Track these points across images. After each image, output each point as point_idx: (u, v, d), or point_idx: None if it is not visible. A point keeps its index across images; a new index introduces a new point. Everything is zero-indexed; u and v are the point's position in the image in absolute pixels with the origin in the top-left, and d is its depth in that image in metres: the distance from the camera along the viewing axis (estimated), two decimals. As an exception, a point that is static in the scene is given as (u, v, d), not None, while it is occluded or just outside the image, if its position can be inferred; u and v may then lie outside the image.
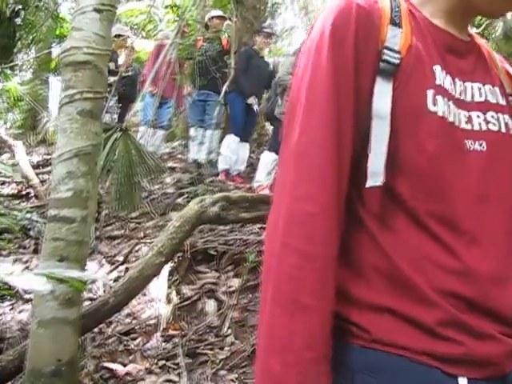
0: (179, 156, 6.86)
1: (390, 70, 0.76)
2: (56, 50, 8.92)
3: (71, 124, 2.09)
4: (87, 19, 2.11)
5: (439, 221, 0.76)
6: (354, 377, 0.74)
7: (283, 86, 5.22)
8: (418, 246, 0.75)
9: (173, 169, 6.13)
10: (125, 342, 2.91)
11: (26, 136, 8.20)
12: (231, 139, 5.90)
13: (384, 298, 0.75)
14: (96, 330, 2.91)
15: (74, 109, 2.08)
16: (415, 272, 0.74)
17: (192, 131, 6.25)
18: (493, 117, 0.83)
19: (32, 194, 5.01)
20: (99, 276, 3.01)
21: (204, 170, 5.79)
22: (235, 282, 3.40)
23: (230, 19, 6.32)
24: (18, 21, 5.13)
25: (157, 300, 3.26)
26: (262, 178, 5.47)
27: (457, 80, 0.82)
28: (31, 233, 4.05)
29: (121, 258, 3.76)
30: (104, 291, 3.22)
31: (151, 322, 3.12)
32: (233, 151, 5.86)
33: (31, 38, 6.45)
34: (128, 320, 3.15)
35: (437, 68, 0.80)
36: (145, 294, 3.29)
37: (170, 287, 3.38)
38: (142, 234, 4.26)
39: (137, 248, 3.85)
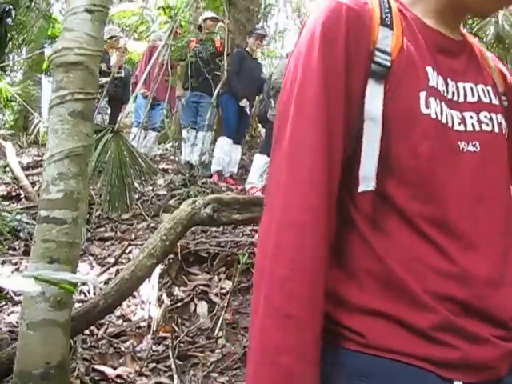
0: (171, 158, 6.85)
1: (382, 71, 0.76)
2: (48, 51, 8.87)
3: (62, 125, 2.07)
4: (79, 20, 2.10)
5: (432, 223, 0.75)
6: (348, 382, 0.74)
7: (276, 88, 5.22)
8: (411, 249, 0.75)
9: (165, 170, 6.12)
10: (115, 345, 2.89)
11: (18, 137, 8.16)
12: (224, 141, 5.90)
13: (377, 301, 0.74)
14: (87, 332, 2.89)
15: (65, 110, 2.07)
16: (409, 275, 0.74)
17: (184, 133, 6.25)
18: (486, 117, 0.83)
19: (22, 196, 4.97)
20: (89, 278, 2.99)
21: (196, 172, 5.79)
22: (227, 284, 3.39)
23: (222, 21, 6.33)
24: (9, 21, 5.09)
25: (148, 302, 3.25)
26: (255, 180, 5.48)
27: (449, 80, 0.82)
28: (21, 234, 4.02)
29: (112, 260, 3.74)
30: (95, 293, 3.20)
31: (142, 324, 3.10)
32: (226, 153, 5.86)
33: (22, 38, 6.42)
34: (119, 322, 3.13)
35: (429, 69, 0.79)
36: (135, 297, 3.27)
37: (161, 289, 3.36)
38: (133, 236, 4.24)
39: (128, 250, 3.83)
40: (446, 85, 0.81)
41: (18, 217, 4.14)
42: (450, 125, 0.79)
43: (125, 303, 3.13)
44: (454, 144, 0.78)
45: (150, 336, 2.98)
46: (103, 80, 4.96)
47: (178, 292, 3.38)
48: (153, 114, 6.55)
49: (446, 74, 0.82)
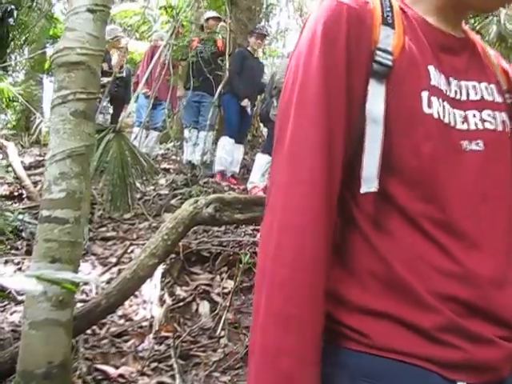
0: (173, 157, 6.85)
1: (383, 71, 0.76)
2: (50, 51, 8.89)
3: (64, 125, 2.07)
4: (80, 19, 2.10)
5: (435, 223, 0.75)
6: (351, 382, 0.73)
7: (279, 87, 5.22)
8: (414, 249, 0.75)
9: (167, 170, 6.12)
10: (117, 344, 2.89)
11: (20, 137, 8.17)
12: (226, 141, 5.90)
13: (380, 302, 0.74)
14: (89, 331, 2.89)
15: (67, 109, 2.07)
16: (412, 275, 0.74)
17: (186, 132, 6.25)
18: (489, 115, 0.82)
19: (24, 195, 4.98)
20: (91, 278, 2.99)
21: (198, 172, 5.79)
22: (229, 284, 3.39)
23: (224, 21, 6.33)
24: (11, 21, 5.10)
25: (150, 302, 3.25)
26: (257, 180, 5.48)
27: (451, 79, 0.81)
28: (23, 234, 4.02)
29: (114, 260, 3.74)
30: (97, 293, 3.21)
31: (144, 323, 3.10)
32: (228, 153, 5.87)
33: (24, 38, 6.43)
34: (121, 322, 3.13)
35: (431, 68, 0.79)
36: (137, 296, 3.27)
37: (163, 289, 3.36)
38: (135, 236, 4.25)
39: (130, 249, 3.84)
40: (449, 83, 0.81)
41: (20, 216, 4.15)
42: (452, 124, 0.78)
43: (127, 303, 3.13)
44: (456, 143, 0.78)
45: (151, 335, 2.98)
46: (105, 80, 4.96)
47: (179, 291, 3.38)
48: (154, 113, 6.55)
49: (449, 73, 0.81)
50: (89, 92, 2.11)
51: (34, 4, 5.85)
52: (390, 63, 0.76)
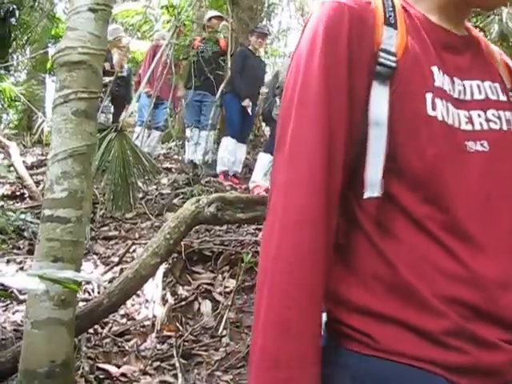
0: (175, 157, 6.85)
1: (387, 73, 0.75)
2: (52, 50, 8.89)
3: (66, 124, 2.08)
4: (82, 19, 2.10)
5: (440, 224, 0.74)
6: None
7: (282, 87, 5.21)
8: (419, 251, 0.74)
9: (169, 169, 6.12)
10: (120, 343, 2.90)
11: (22, 137, 8.18)
12: (228, 141, 5.90)
13: (385, 304, 0.74)
14: (91, 330, 2.89)
15: (69, 109, 2.07)
16: (416, 278, 0.73)
17: (188, 132, 6.25)
18: (493, 115, 0.81)
19: (26, 195, 4.99)
20: (93, 277, 3.00)
21: (200, 171, 5.79)
22: (231, 283, 3.39)
23: (225, 20, 6.32)
24: (13, 21, 5.11)
25: (152, 301, 3.25)
26: (259, 179, 5.48)
27: (455, 79, 0.81)
28: (25, 233, 4.03)
29: (116, 259, 3.74)
30: (99, 292, 3.21)
31: (146, 323, 3.11)
32: (230, 153, 5.87)
33: (26, 38, 6.44)
34: (123, 321, 3.14)
35: (434, 69, 0.78)
36: (139, 295, 3.27)
37: (165, 288, 3.37)
38: (137, 235, 4.25)
39: (132, 249, 3.84)
40: (453, 83, 0.80)
41: (23, 216, 4.16)
42: (456, 125, 0.77)
43: (129, 302, 3.13)
44: (461, 144, 0.77)
45: (154, 335, 2.99)
46: (107, 79, 4.97)
47: (181, 291, 3.38)
48: (156, 113, 6.55)
49: (452, 73, 0.81)
50: (90, 91, 2.11)
51: (36, 4, 5.86)
52: (393, 64, 0.75)
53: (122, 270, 3.42)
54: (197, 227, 3.70)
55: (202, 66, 5.85)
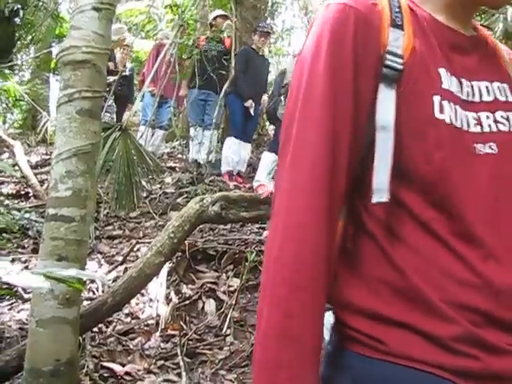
0: (179, 156, 6.86)
1: (394, 75, 0.74)
2: (56, 50, 8.92)
3: (70, 123, 2.08)
4: (86, 18, 2.10)
5: (449, 228, 0.73)
6: None
7: (287, 87, 5.20)
8: (427, 255, 0.73)
9: (172, 168, 6.13)
10: (124, 342, 2.90)
11: (26, 136, 8.20)
12: (231, 141, 5.90)
13: (393, 309, 0.73)
14: (95, 329, 2.90)
15: (73, 108, 2.08)
16: (424, 282, 0.72)
17: (192, 131, 6.25)
18: (502, 116, 0.80)
19: (31, 194, 5.00)
20: (97, 276, 3.00)
21: (204, 170, 5.79)
22: (235, 282, 3.39)
23: (229, 19, 6.32)
24: (17, 20, 5.12)
25: (156, 300, 3.26)
26: (262, 178, 5.47)
27: (463, 80, 0.80)
28: (30, 232, 4.04)
29: (120, 258, 3.75)
30: (103, 291, 3.22)
31: (150, 321, 3.11)
32: (234, 152, 5.86)
33: (30, 37, 6.45)
34: (127, 320, 3.14)
35: (442, 71, 0.77)
36: (143, 294, 3.28)
37: (169, 287, 3.37)
38: (141, 234, 4.26)
39: (136, 248, 3.85)
40: (460, 85, 0.79)
41: (27, 215, 4.17)
42: (465, 128, 0.76)
43: (133, 301, 3.14)
44: (469, 147, 0.76)
45: (158, 334, 2.99)
46: (111, 78, 4.97)
47: (185, 290, 3.38)
48: (160, 112, 6.56)
49: (460, 74, 0.79)
50: (94, 90, 2.11)
51: (40, 3, 5.87)
52: (400, 67, 0.74)
53: (126, 269, 3.43)
54: (201, 226, 3.70)
55: (206, 66, 5.85)
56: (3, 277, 0.78)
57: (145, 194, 4.80)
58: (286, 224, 0.73)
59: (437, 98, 0.75)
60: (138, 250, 3.84)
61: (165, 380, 2.62)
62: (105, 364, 2.67)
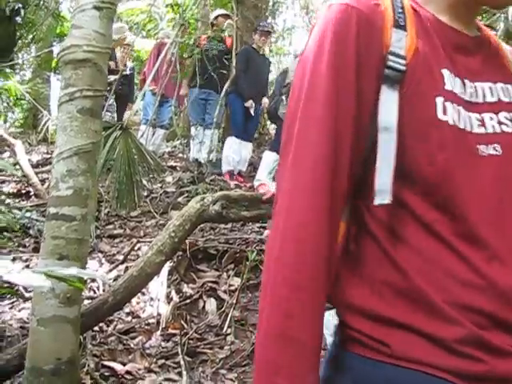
0: (180, 155, 6.86)
1: (396, 76, 0.73)
2: (57, 49, 8.92)
3: (71, 122, 2.08)
4: (87, 17, 2.10)
5: (452, 229, 0.73)
6: None
7: (289, 87, 5.19)
8: (430, 257, 0.73)
9: (173, 168, 6.13)
10: (124, 341, 2.90)
11: (27, 135, 8.21)
12: (232, 141, 5.90)
13: (396, 311, 0.73)
14: (96, 328, 2.90)
15: (74, 107, 2.08)
16: (428, 284, 0.72)
17: (193, 130, 6.25)
18: (506, 117, 0.79)
19: (32, 193, 5.01)
20: (98, 275, 3.00)
21: (205, 169, 5.80)
22: (236, 281, 3.39)
23: (231, 18, 6.32)
24: (18, 19, 5.12)
25: (156, 299, 3.26)
26: (263, 177, 5.47)
27: (466, 81, 0.79)
28: (31, 231, 4.04)
29: (121, 257, 3.75)
30: (104, 290, 3.22)
31: (151, 320, 3.11)
32: (235, 152, 5.86)
33: (31, 36, 6.45)
34: (128, 319, 3.14)
35: (445, 72, 0.77)
36: (144, 293, 3.28)
37: (169, 286, 3.37)
38: (142, 233, 4.26)
39: (137, 247, 3.85)
40: (464, 86, 0.78)
41: (28, 214, 4.17)
42: (468, 129, 0.76)
43: (134, 300, 3.14)
44: (472, 148, 0.75)
45: (158, 333, 2.99)
46: (112, 78, 4.97)
47: (186, 289, 3.39)
48: (161, 111, 6.56)
49: (463, 75, 0.79)
50: (95, 89, 2.11)
51: (41, 2, 5.87)
52: (402, 68, 0.74)
53: (126, 268, 3.43)
54: (201, 225, 3.70)
55: (206, 65, 5.85)
56: (4, 276, 0.78)
57: (146, 193, 4.80)
58: (287, 224, 0.73)
59: (440, 100, 0.74)
60: (139, 249, 3.85)
61: (165, 379, 2.62)
62: (105, 363, 2.68)
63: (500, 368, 0.71)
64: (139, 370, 2.68)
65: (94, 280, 3.32)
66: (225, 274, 3.51)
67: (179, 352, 2.79)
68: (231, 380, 2.64)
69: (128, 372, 2.64)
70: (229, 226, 4.06)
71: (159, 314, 3.13)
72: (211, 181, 5.47)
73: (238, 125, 5.94)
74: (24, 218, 4.09)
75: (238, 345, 2.90)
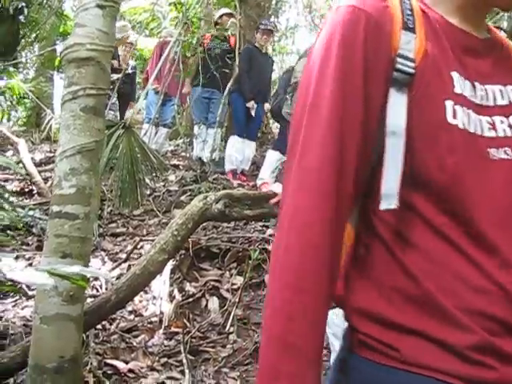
0: (183, 154, 6.87)
1: (405, 79, 0.72)
2: (60, 48, 8.92)
3: (74, 120, 2.08)
4: (90, 15, 2.10)
5: (462, 233, 0.72)
6: None
7: (294, 86, 5.17)
8: (440, 261, 0.72)
9: (176, 166, 6.14)
10: (127, 340, 2.91)
11: (30, 134, 8.22)
12: (235, 140, 5.90)
13: (405, 316, 0.72)
14: (99, 326, 2.91)
15: (77, 105, 2.08)
16: (438, 289, 0.71)
17: (196, 129, 6.25)
18: None
19: (35, 192, 5.01)
20: (101, 273, 3.01)
21: (207, 168, 5.80)
22: (238, 280, 3.39)
23: (234, 17, 6.32)
24: (22, 18, 5.13)
25: (159, 297, 3.26)
26: (266, 176, 5.47)
27: (477, 84, 0.78)
28: (34, 230, 4.05)
29: (124, 255, 3.76)
30: (107, 288, 3.22)
31: (154, 319, 3.12)
32: (238, 151, 5.86)
33: (35, 35, 6.46)
34: (131, 317, 3.15)
35: (454, 74, 0.75)
36: (147, 292, 3.29)
37: (172, 285, 3.37)
38: (145, 232, 4.27)
39: (140, 245, 3.85)
40: (474, 88, 0.77)
41: (31, 212, 4.18)
42: (479, 132, 0.75)
43: (136, 298, 3.15)
44: (483, 151, 0.74)
45: (161, 331, 3.00)
46: (115, 76, 4.98)
47: (189, 287, 3.39)
48: (164, 110, 6.56)
49: (473, 78, 0.78)
50: (98, 88, 2.11)
51: (45, 1, 5.88)
52: (411, 70, 0.72)
53: (129, 267, 3.43)
54: (204, 224, 3.70)
55: (209, 64, 5.85)
56: (7, 274, 0.78)
57: (148, 192, 4.81)
58: (292, 224, 0.73)
59: (449, 103, 0.73)
60: (142, 247, 3.85)
61: (168, 377, 2.62)
62: (108, 361, 2.68)
63: (510, 375, 0.70)
64: (142, 368, 2.68)
65: (96, 278, 3.33)
66: (227, 272, 3.51)
67: (182, 350, 2.79)
68: (233, 378, 2.65)
69: (131, 370, 2.64)
70: (231, 224, 4.06)
71: (162, 313, 3.13)
72: (214, 179, 5.47)
73: (240, 123, 5.94)
74: (27, 216, 4.10)
75: (241, 343, 2.90)
